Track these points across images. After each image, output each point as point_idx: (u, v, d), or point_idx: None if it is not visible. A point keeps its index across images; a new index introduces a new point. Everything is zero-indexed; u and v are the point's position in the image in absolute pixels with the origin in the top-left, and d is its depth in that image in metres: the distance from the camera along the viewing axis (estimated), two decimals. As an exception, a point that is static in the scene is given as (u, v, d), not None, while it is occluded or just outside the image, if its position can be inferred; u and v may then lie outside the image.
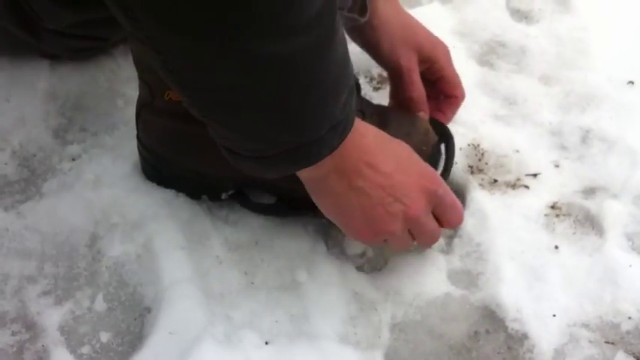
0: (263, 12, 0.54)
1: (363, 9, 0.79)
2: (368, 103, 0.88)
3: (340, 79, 0.64)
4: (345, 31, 0.65)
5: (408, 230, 0.74)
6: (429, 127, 0.86)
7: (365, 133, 0.70)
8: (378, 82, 1.04)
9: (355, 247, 0.85)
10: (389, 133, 0.76)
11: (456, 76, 0.93)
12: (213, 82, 0.59)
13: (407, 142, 0.78)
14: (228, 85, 0.59)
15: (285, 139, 0.64)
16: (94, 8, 0.85)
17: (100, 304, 0.80)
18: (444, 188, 0.76)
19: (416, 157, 0.75)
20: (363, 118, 0.81)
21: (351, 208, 0.71)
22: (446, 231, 0.86)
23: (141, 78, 0.82)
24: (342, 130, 0.66)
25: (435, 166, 0.84)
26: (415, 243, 0.77)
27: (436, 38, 0.92)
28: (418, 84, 0.89)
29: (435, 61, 0.91)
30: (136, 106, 0.85)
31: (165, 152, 0.85)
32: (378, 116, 0.84)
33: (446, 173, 0.84)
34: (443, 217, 0.77)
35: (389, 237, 0.74)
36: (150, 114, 0.83)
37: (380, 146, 0.71)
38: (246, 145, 0.66)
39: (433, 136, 0.86)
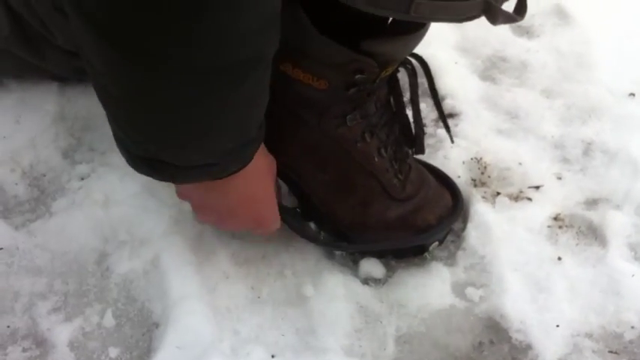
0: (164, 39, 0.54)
1: (522, 9, 0.75)
2: (416, 164, 0.88)
3: (232, 126, 0.65)
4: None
5: None
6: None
7: (244, 172, 0.72)
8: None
9: (367, 271, 0.86)
10: (426, 194, 0.83)
11: None
12: (97, 68, 0.60)
13: (443, 210, 0.83)
14: (110, 78, 0.60)
15: (149, 148, 0.66)
16: None
17: (109, 320, 0.81)
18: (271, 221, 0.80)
19: (266, 204, 0.79)
20: (409, 172, 0.84)
21: (212, 207, 0.77)
22: (448, 244, 0.87)
23: None
24: (217, 171, 0.69)
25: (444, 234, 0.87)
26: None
27: None
28: None
29: None
30: None
31: None
32: (420, 175, 0.86)
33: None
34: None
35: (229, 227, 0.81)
36: None
37: (243, 185, 0.74)
38: (122, 135, 0.68)
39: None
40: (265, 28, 0.58)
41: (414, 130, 0.84)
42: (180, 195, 0.80)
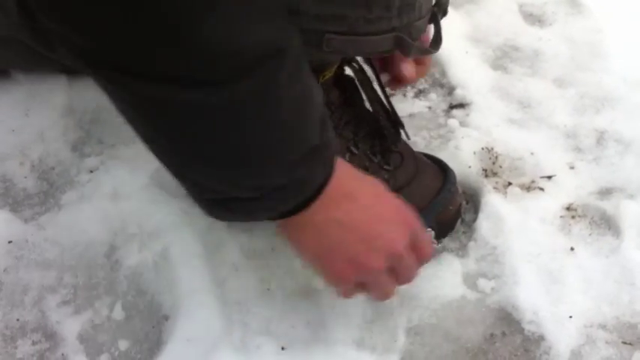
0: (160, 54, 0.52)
1: (437, 42, 0.76)
2: (407, 146, 0.86)
3: (285, 137, 0.59)
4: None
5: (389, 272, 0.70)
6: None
7: (341, 164, 0.65)
8: (391, 89, 1.05)
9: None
10: (421, 182, 0.80)
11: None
12: (168, 136, 0.59)
13: (428, 198, 0.81)
14: (143, 124, 0.59)
15: (214, 188, 0.62)
16: None
17: (119, 313, 0.81)
18: (419, 222, 0.72)
19: (390, 192, 0.71)
20: (401, 162, 0.82)
21: (332, 244, 0.66)
22: (460, 235, 0.86)
23: None
24: (292, 192, 0.62)
25: (453, 226, 0.85)
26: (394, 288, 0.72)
27: None
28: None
29: None
30: None
31: None
32: (415, 162, 0.84)
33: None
34: (418, 253, 0.71)
35: (369, 276, 0.68)
36: None
37: (357, 178, 0.68)
38: (186, 185, 0.63)
39: (461, 196, 0.86)
40: (271, 16, 0.56)
41: (382, 122, 0.82)
42: (335, 278, 0.69)
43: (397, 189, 0.81)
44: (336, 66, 0.78)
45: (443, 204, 0.83)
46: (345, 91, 0.81)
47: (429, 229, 0.81)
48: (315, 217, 0.64)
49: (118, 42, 0.51)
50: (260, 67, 0.54)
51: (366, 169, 0.81)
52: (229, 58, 0.53)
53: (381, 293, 0.72)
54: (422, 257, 0.72)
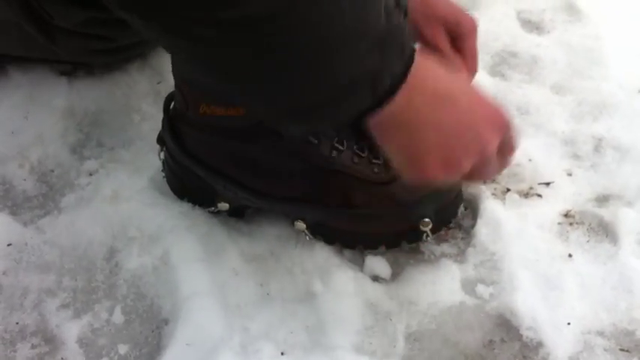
0: None
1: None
2: None
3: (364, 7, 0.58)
4: None
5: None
6: None
7: (426, 61, 0.63)
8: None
9: (373, 269, 0.85)
10: None
11: (476, 50, 0.87)
12: (221, 64, 0.59)
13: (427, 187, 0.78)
14: (234, 64, 0.58)
15: (356, 71, 0.60)
16: (102, 7, 0.86)
17: (118, 317, 0.81)
18: (512, 125, 0.70)
19: (480, 92, 0.69)
20: None
21: (427, 145, 0.65)
22: (458, 241, 0.86)
23: (177, 87, 0.82)
24: (401, 53, 0.60)
25: (453, 216, 0.86)
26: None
27: (460, 11, 0.85)
28: (452, 57, 0.84)
29: (458, 36, 0.85)
30: (168, 116, 0.85)
31: (198, 164, 0.84)
32: None
33: None
34: (501, 154, 0.70)
35: (457, 177, 0.68)
36: (185, 125, 0.84)
37: (450, 77, 0.65)
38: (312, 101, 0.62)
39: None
40: None
41: None
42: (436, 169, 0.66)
43: (390, 181, 0.81)
44: None
45: (445, 195, 0.83)
46: None
47: (427, 219, 0.81)
48: (406, 116, 0.63)
49: None
50: None
51: (354, 164, 0.81)
52: None
53: (492, 169, 0.71)
54: (507, 158, 0.71)
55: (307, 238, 0.85)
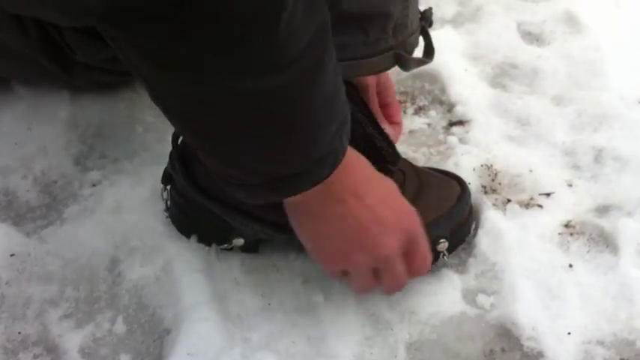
0: (241, 51, 0.55)
1: (430, 52, 0.79)
2: (407, 163, 0.87)
3: (328, 112, 0.64)
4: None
5: (375, 273, 0.74)
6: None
7: (355, 163, 0.69)
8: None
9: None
10: (429, 195, 0.81)
11: (398, 105, 0.95)
12: (191, 113, 0.61)
13: (445, 206, 0.82)
14: (207, 117, 0.61)
15: (266, 170, 0.65)
16: None
17: (120, 327, 0.81)
18: (423, 234, 0.75)
19: (400, 195, 0.75)
20: (404, 179, 0.83)
21: (326, 234, 0.71)
22: (459, 251, 0.87)
23: None
24: (331, 162, 0.66)
25: (467, 234, 0.87)
26: (373, 288, 0.77)
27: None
28: (376, 102, 0.90)
29: (384, 89, 0.92)
30: (178, 151, 0.84)
31: (212, 200, 0.82)
32: (418, 177, 0.85)
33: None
34: (412, 264, 0.75)
35: (352, 270, 0.74)
36: (198, 160, 0.80)
37: (368, 178, 0.71)
38: (230, 172, 0.67)
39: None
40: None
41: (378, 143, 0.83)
42: (325, 259, 0.75)
43: None
44: None
45: (459, 214, 0.84)
46: None
47: (443, 240, 0.82)
48: (319, 205, 0.69)
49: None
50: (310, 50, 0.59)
51: None
52: (294, 46, 0.58)
53: (358, 287, 0.77)
54: (415, 269, 0.75)
55: None
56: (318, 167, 0.65)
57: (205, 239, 0.86)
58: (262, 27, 0.55)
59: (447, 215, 0.83)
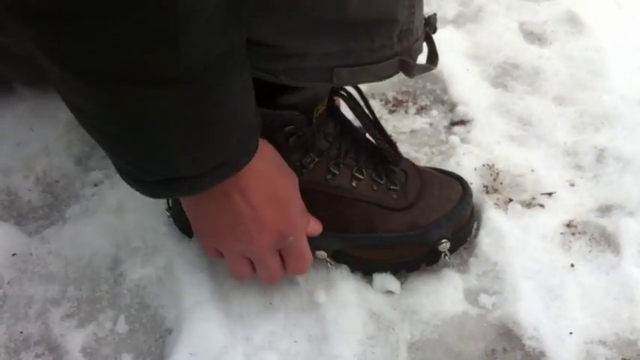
0: (142, 61, 0.56)
1: (434, 58, 0.79)
2: (409, 163, 0.87)
3: (230, 125, 0.65)
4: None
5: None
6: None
7: (256, 161, 0.70)
8: (393, 105, 1.06)
9: (382, 284, 0.85)
10: (431, 195, 0.82)
11: None
12: (91, 111, 0.61)
13: (447, 206, 0.82)
14: (105, 118, 0.62)
15: (162, 172, 0.66)
16: None
17: (122, 326, 0.81)
18: (299, 239, 0.77)
19: (293, 201, 0.76)
20: (406, 179, 0.83)
21: (207, 216, 0.74)
22: (461, 251, 0.87)
23: None
24: (230, 168, 0.67)
25: (468, 235, 0.87)
26: (249, 275, 0.79)
27: None
28: None
29: None
30: None
31: None
32: (420, 177, 0.85)
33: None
34: (286, 263, 0.78)
35: (225, 254, 0.77)
36: None
37: (263, 177, 0.72)
38: (126, 167, 0.68)
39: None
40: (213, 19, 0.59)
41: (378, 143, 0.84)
42: (200, 234, 0.77)
43: (409, 206, 0.82)
44: (327, 98, 0.79)
45: (461, 215, 0.84)
46: (340, 121, 0.83)
47: (445, 240, 0.82)
48: (203, 203, 0.72)
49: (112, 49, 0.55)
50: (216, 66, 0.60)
51: (374, 192, 0.82)
52: (201, 61, 0.59)
53: (233, 271, 0.79)
54: (291, 269, 0.79)
55: (329, 265, 0.84)
56: (216, 173, 0.67)
57: None
58: (165, 39, 0.55)
59: (449, 216, 0.83)
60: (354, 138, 0.83)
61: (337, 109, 0.84)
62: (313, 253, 0.81)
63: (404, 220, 0.82)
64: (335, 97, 0.83)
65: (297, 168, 0.78)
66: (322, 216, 0.80)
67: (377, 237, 0.82)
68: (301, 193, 0.78)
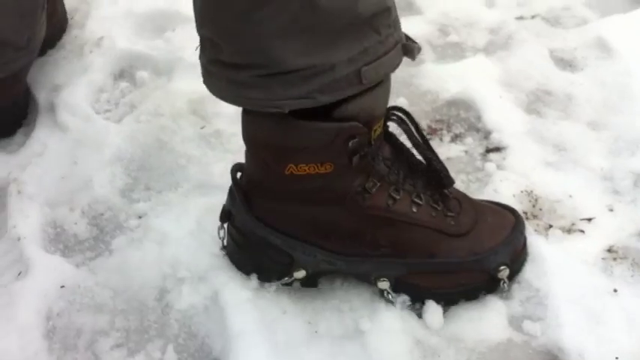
0: None
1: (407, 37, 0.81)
2: (459, 192, 0.88)
3: None
4: None
5: None
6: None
7: None
8: (427, 133, 1.07)
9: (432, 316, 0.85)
10: (485, 222, 0.84)
11: None
12: None
13: (502, 234, 0.84)
14: None
15: None
16: None
17: (171, 355, 0.82)
18: None
19: None
20: (460, 207, 0.85)
21: None
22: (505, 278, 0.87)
23: (254, 154, 0.82)
24: None
25: (524, 262, 0.87)
26: None
27: None
28: None
29: None
30: (237, 186, 0.85)
31: (274, 232, 0.84)
32: (473, 206, 0.86)
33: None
34: None
35: None
36: (258, 196, 0.84)
37: None
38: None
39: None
40: None
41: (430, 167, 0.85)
42: None
43: (466, 232, 0.83)
44: (382, 119, 0.80)
45: (516, 242, 0.85)
46: (395, 145, 0.84)
47: (504, 267, 0.83)
48: None
49: None
50: None
51: (433, 218, 0.83)
52: None
53: None
54: None
55: (390, 297, 0.84)
56: None
57: (266, 275, 0.86)
58: None
59: (506, 243, 0.84)
60: (409, 163, 0.84)
61: (392, 133, 0.85)
62: (375, 282, 0.82)
63: (463, 247, 0.83)
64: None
65: (360, 193, 0.80)
66: (383, 242, 0.81)
67: (438, 263, 0.83)
68: (363, 219, 0.79)
